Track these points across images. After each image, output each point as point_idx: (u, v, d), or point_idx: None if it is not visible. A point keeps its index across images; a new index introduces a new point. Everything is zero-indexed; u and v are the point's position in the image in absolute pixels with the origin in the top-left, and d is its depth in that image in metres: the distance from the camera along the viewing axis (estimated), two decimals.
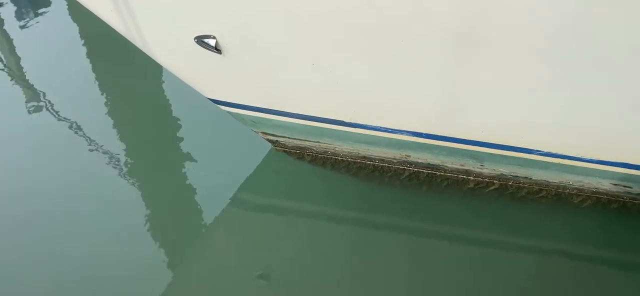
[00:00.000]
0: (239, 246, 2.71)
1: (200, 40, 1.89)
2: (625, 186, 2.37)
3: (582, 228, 2.58)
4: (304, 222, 2.79)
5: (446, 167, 2.56)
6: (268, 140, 2.74)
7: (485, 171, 2.52)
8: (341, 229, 2.76)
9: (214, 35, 1.86)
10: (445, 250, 2.60)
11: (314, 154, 2.76)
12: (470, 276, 2.50)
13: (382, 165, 2.70)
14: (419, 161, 2.56)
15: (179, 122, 3.23)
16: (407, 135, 2.31)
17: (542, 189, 2.55)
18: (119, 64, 3.72)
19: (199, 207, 2.89)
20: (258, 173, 2.93)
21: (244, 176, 2.93)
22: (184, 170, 2.98)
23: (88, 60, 3.90)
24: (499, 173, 2.50)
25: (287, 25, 1.82)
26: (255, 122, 2.50)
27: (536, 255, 2.56)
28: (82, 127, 3.26)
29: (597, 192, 2.48)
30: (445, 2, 1.65)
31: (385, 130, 2.30)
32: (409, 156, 2.54)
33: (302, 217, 2.81)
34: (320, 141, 2.57)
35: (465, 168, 2.53)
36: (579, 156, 2.19)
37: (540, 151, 2.20)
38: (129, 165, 3.00)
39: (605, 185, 2.39)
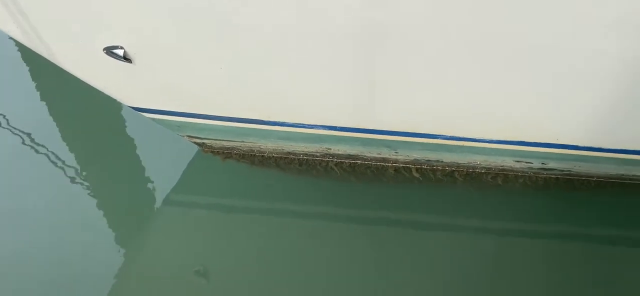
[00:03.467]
0: (174, 246, 2.78)
1: (109, 51, 1.94)
2: (526, 162, 2.59)
3: (493, 203, 2.79)
4: (236, 217, 2.88)
5: (365, 156, 2.70)
6: (194, 142, 2.81)
7: (400, 157, 2.68)
8: (273, 222, 2.87)
9: (121, 45, 1.92)
10: (373, 235, 2.76)
11: (241, 153, 2.85)
12: (396, 256, 2.67)
13: (307, 159, 2.83)
14: (339, 152, 2.70)
15: (102, 131, 3.24)
16: (323, 129, 2.44)
17: (454, 170, 2.74)
18: (37, 71, 3.64)
19: (132, 211, 2.92)
20: (188, 175, 3.00)
21: (175, 179, 2.99)
22: (113, 178, 3.01)
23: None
24: (413, 158, 2.67)
25: (193, 31, 1.89)
26: (179, 126, 2.57)
27: (453, 232, 2.75)
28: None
29: (504, 169, 2.69)
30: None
31: (303, 125, 2.41)
32: (330, 149, 2.67)
33: (235, 213, 2.90)
34: (244, 140, 2.66)
35: (382, 156, 2.68)
36: (479, 138, 2.38)
37: (444, 136, 2.38)
38: (57, 177, 3.00)
39: (509, 162, 2.60)
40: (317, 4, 1.73)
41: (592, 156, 2.42)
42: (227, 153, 2.89)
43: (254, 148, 2.78)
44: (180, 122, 2.49)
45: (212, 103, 2.28)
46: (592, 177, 2.68)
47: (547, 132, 2.29)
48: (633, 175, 2.60)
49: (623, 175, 2.61)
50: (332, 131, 2.45)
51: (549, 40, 1.79)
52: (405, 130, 2.40)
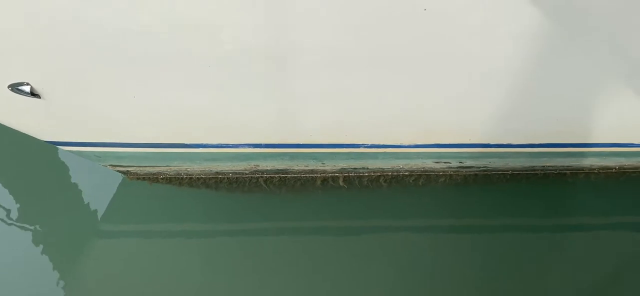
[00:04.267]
0: (107, 278, 2.71)
1: (15, 88, 1.87)
2: (445, 162, 2.72)
3: (417, 203, 2.91)
4: (168, 242, 2.84)
5: (293, 169, 2.75)
6: (118, 171, 2.75)
7: (327, 168, 2.75)
8: (206, 242, 2.86)
9: (26, 81, 1.85)
10: (306, 245, 2.80)
11: (167, 177, 2.82)
12: (328, 262, 2.73)
13: (236, 177, 2.83)
14: (268, 168, 2.73)
15: (26, 168, 3.08)
16: (248, 147, 2.46)
17: (380, 176, 2.84)
18: None
19: (62, 247, 2.81)
20: (116, 204, 2.91)
21: (102, 209, 2.90)
22: (40, 215, 2.88)
23: None
24: (340, 167, 2.74)
25: (99, 63, 1.86)
26: (98, 156, 2.50)
27: (381, 233, 2.85)
28: None
29: (425, 171, 2.82)
30: (243, 20, 1.75)
31: (227, 145, 2.42)
32: (258, 165, 2.69)
33: (166, 238, 2.85)
34: (169, 165, 2.63)
35: (310, 168, 2.74)
36: (399, 144, 2.48)
37: (366, 144, 2.46)
38: None
39: (430, 164, 2.73)
40: (226, 24, 1.74)
41: (503, 152, 2.59)
42: (153, 178, 2.85)
43: (180, 172, 2.75)
44: (99, 152, 2.42)
45: (129, 131, 2.24)
46: (507, 170, 2.86)
47: (460, 134, 2.43)
48: (542, 166, 2.80)
49: (534, 166, 2.80)
50: (258, 148, 2.47)
51: (452, 48, 1.91)
52: (328, 142, 2.46)
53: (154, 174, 2.78)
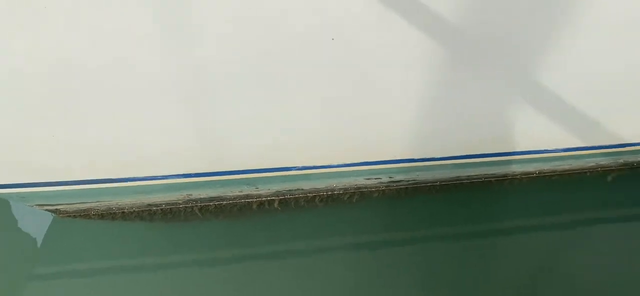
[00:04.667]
0: None
1: None
2: (376, 178, 2.81)
3: (355, 219, 2.98)
4: (102, 279, 2.77)
5: (228, 196, 2.76)
6: (47, 210, 2.68)
7: (262, 192, 2.78)
8: (142, 277, 2.80)
9: None
10: (244, 271, 2.80)
11: (99, 212, 2.77)
12: (271, 286, 2.75)
13: (170, 208, 2.82)
14: (202, 196, 2.73)
15: None
16: (177, 178, 2.46)
17: (315, 196, 2.90)
18: None
19: None
20: (48, 245, 2.83)
21: (33, 251, 2.81)
22: None
23: None
24: (275, 190, 2.78)
25: (12, 104, 1.83)
26: (23, 197, 2.43)
27: (320, 253, 2.90)
28: None
29: (359, 188, 2.90)
30: (153, 52, 1.77)
31: (156, 178, 2.42)
32: (191, 195, 2.69)
33: (100, 275, 2.78)
34: (99, 200, 2.59)
35: (245, 193, 2.76)
36: (329, 164, 2.55)
37: (296, 167, 2.52)
38: None
39: (362, 181, 2.81)
40: (137, 58, 1.76)
41: (429, 165, 2.70)
42: (84, 214, 2.79)
43: (112, 206, 2.71)
44: (23, 193, 2.36)
45: (52, 169, 2.20)
46: (436, 182, 2.98)
47: (385, 151, 2.53)
48: (468, 176, 2.93)
49: (460, 176, 2.94)
50: (188, 178, 2.48)
51: (364, 74, 2.00)
52: (259, 167, 2.50)
53: (85, 210, 2.72)
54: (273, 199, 2.87)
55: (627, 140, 2.60)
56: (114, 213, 2.78)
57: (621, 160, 2.87)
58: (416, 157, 2.60)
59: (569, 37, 1.94)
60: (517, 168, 2.93)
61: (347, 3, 1.74)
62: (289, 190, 2.79)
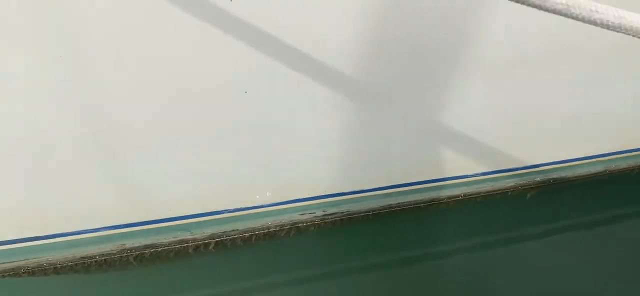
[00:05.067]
0: None
1: None
2: (310, 213, 2.89)
3: (294, 253, 3.05)
4: None
5: (162, 242, 2.77)
6: None
7: (197, 236, 2.80)
8: None
9: None
10: None
11: (30, 270, 2.71)
12: None
13: (105, 258, 2.79)
14: (136, 245, 2.73)
15: None
16: (109, 230, 2.46)
17: (251, 235, 2.95)
18: None
19: None
20: None
21: None
22: None
23: None
24: (209, 233, 2.81)
25: None
26: None
27: (262, 291, 2.94)
28: None
29: (294, 224, 2.97)
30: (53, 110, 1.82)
31: (84, 231, 2.41)
32: (124, 244, 2.68)
33: None
34: (27, 258, 2.54)
35: (180, 238, 2.78)
36: (259, 204, 2.61)
37: (227, 209, 2.57)
38: None
39: (296, 216, 2.88)
40: (42, 116, 1.78)
41: (358, 197, 2.81)
42: (15, 272, 2.72)
43: (42, 262, 2.66)
44: None
45: None
46: (369, 211, 3.09)
47: (315, 187, 2.62)
48: (397, 203, 3.06)
49: (390, 204, 3.06)
50: (119, 229, 2.48)
51: (278, 122, 2.10)
52: (190, 213, 2.53)
53: (14, 269, 2.66)
54: (209, 242, 2.89)
55: (535, 162, 2.81)
56: (46, 269, 2.73)
57: (537, 178, 3.07)
58: (346, 191, 2.70)
59: (464, 76, 2.11)
60: (443, 193, 3.08)
61: (257, 58, 1.83)
62: (224, 231, 2.82)
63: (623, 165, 3.17)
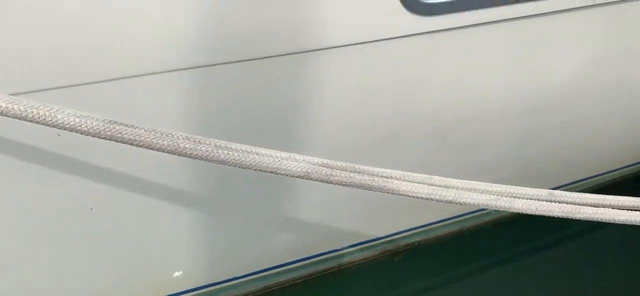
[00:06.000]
0: None
1: None
2: None
3: None
4: None
5: None
6: None
7: None
8: None
9: None
10: None
11: None
12: None
13: None
14: None
15: None
16: None
17: None
18: None
19: None
20: None
21: None
22: None
23: None
24: None
25: None
26: None
27: None
28: None
29: None
30: None
31: None
32: None
33: None
34: None
35: None
36: None
37: None
38: None
39: None
40: None
41: (236, 284, 2.97)
42: None
43: None
44: None
45: None
46: (272, 287, 3.13)
47: (188, 278, 2.77)
48: (299, 276, 3.17)
49: (294, 277, 3.17)
50: None
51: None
52: None
53: None
54: None
55: (397, 230, 3.16)
56: None
57: (402, 243, 3.40)
58: (220, 280, 2.87)
59: None
60: (334, 263, 3.29)
61: (101, 178, 2.04)
62: None
63: (477, 222, 3.58)
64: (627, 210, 1.94)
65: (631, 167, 4.04)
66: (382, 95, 2.45)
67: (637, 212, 1.94)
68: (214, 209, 2.47)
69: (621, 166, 3.86)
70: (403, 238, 3.35)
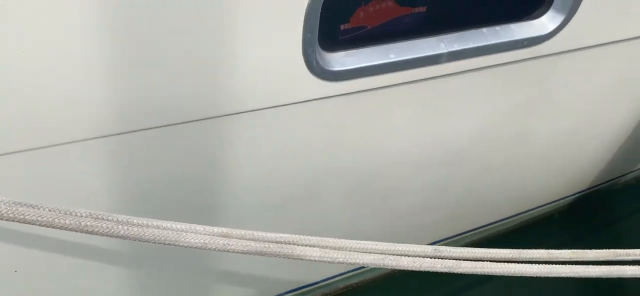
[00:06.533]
0: None
1: None
2: None
3: None
4: None
5: None
6: None
7: None
8: None
9: None
10: None
11: None
12: None
13: None
14: None
15: None
16: None
17: None
18: None
19: None
20: None
21: None
22: None
23: None
24: None
25: None
26: None
27: None
28: None
29: None
30: None
31: None
32: None
33: None
34: None
35: None
36: None
37: None
38: None
39: None
40: None
41: None
42: None
43: None
44: None
45: None
46: None
47: None
48: None
49: None
50: None
51: None
52: None
53: None
54: None
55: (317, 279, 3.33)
56: None
57: (340, 285, 3.58)
58: None
59: None
60: None
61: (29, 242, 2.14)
62: None
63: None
64: (504, 262, 2.14)
65: (553, 204, 4.33)
66: (297, 157, 2.61)
67: (513, 263, 2.14)
68: (137, 270, 2.59)
69: (538, 205, 4.15)
70: (334, 283, 3.52)
